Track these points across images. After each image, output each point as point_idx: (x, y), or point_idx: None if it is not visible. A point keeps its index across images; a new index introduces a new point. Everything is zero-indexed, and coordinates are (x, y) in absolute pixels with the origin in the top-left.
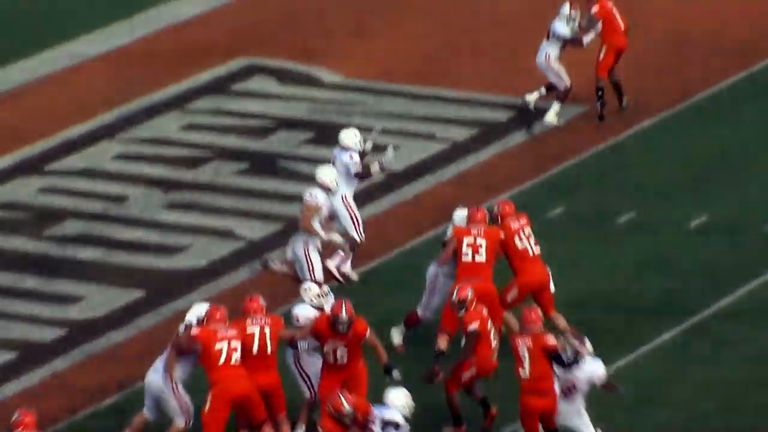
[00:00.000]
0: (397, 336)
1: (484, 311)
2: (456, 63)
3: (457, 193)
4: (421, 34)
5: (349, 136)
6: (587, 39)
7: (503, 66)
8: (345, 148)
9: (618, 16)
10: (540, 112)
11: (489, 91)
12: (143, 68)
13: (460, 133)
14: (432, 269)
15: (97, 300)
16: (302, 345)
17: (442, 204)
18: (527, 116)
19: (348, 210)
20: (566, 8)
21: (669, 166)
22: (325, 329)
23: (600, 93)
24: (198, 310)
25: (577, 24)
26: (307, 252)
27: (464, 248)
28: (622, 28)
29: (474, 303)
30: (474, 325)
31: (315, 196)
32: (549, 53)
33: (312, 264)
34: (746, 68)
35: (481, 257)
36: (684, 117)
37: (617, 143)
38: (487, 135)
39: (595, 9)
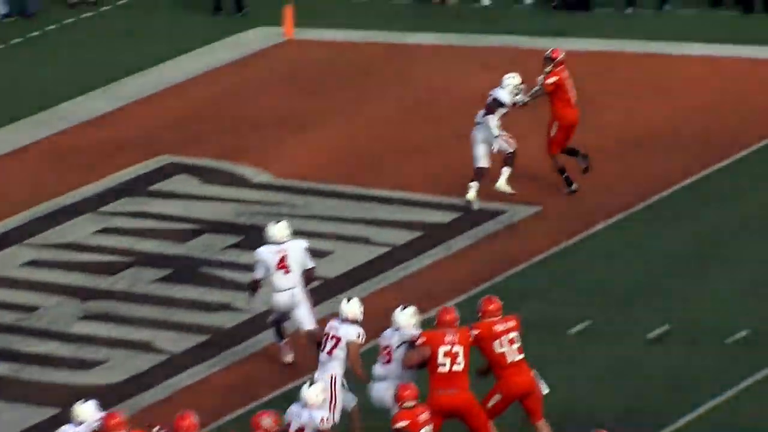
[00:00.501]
0: None
1: (423, 415)
2: (393, 161)
3: (396, 303)
4: (354, 130)
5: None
6: (524, 98)
7: (442, 164)
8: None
9: (570, 88)
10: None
11: (429, 191)
12: (54, 167)
13: (399, 237)
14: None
15: (7, 418)
16: None
17: (379, 315)
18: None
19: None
20: (516, 79)
21: (626, 270)
22: None
23: (563, 173)
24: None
25: (520, 97)
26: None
27: (440, 358)
28: (573, 101)
29: (413, 402)
30: (401, 423)
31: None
32: (491, 125)
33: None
34: (707, 167)
35: (458, 366)
36: (641, 218)
37: (569, 246)
38: (429, 238)
39: (551, 80)
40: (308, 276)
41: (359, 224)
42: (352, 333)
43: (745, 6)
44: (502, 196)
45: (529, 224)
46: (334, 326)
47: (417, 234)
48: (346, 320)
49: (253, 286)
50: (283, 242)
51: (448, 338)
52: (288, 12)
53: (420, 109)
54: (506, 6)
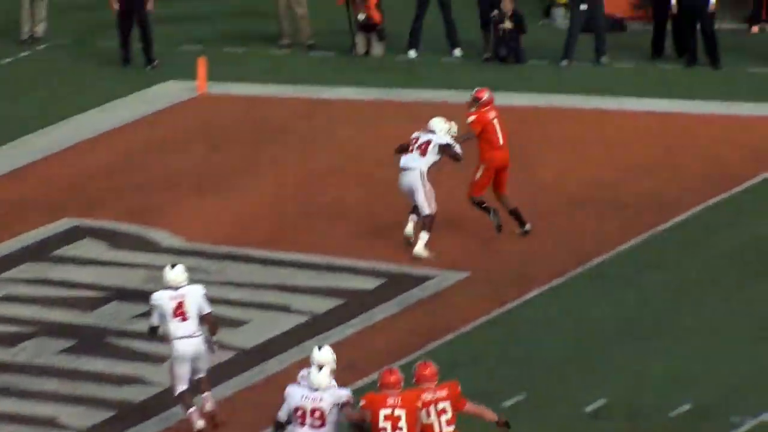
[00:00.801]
0: None
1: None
2: (313, 224)
3: None
4: (272, 191)
5: None
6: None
7: (366, 227)
8: None
9: (499, 130)
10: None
11: (352, 256)
12: None
13: (320, 305)
14: None
15: None
16: None
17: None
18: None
19: None
20: (445, 123)
21: (561, 340)
22: None
23: (483, 205)
24: None
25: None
26: None
27: (381, 422)
28: (501, 143)
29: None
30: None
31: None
32: (423, 171)
33: None
34: (647, 229)
35: (400, 431)
36: (578, 284)
37: (501, 314)
38: (351, 306)
39: (471, 118)
40: (209, 321)
41: (277, 291)
42: (342, 395)
43: (688, 59)
44: (428, 261)
45: (457, 291)
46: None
47: (339, 302)
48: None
49: (151, 334)
50: (179, 287)
51: (390, 400)
52: (201, 65)
53: (342, 168)
54: (434, 59)
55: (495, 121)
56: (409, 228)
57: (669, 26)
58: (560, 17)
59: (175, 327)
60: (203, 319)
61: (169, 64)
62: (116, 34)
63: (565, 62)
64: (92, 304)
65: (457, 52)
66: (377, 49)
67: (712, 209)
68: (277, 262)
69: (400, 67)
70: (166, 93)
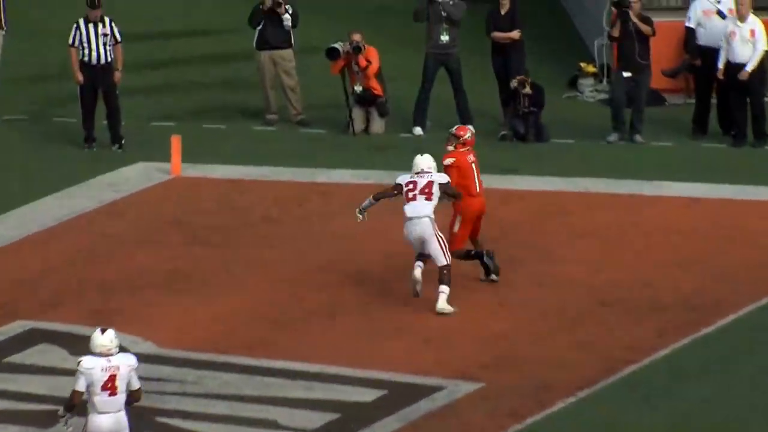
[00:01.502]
0: None
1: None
2: (302, 327)
3: None
4: (255, 290)
5: None
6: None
7: (364, 330)
8: None
9: (477, 176)
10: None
11: (347, 365)
12: None
13: (311, 419)
14: None
15: None
16: None
17: None
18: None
19: None
20: (434, 162)
21: None
22: None
23: (472, 253)
24: None
25: None
26: None
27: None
28: (478, 190)
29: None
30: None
31: None
32: (432, 217)
33: None
34: (686, 335)
35: None
36: (606, 396)
37: (520, 431)
38: (347, 421)
39: (449, 161)
40: (135, 398)
41: (263, 404)
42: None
43: (735, 137)
44: (436, 369)
45: (469, 404)
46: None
47: (333, 416)
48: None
49: (73, 401)
50: (111, 355)
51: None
52: (175, 143)
53: (337, 264)
54: (443, 137)
55: (474, 166)
56: (418, 273)
57: (714, 99)
58: (588, 89)
59: (102, 401)
60: (130, 395)
61: (138, 142)
62: (77, 109)
63: (638, 137)
64: (50, 419)
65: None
66: (378, 125)
67: (764, 310)
68: (262, 370)
69: (405, 147)
70: (135, 176)
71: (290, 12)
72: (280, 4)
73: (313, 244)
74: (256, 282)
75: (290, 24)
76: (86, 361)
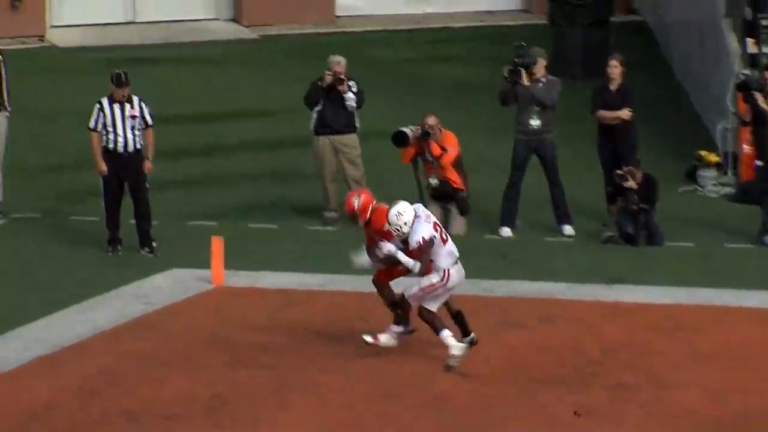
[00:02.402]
0: None
1: None
2: None
3: None
4: (313, 426)
5: None
6: None
7: None
8: None
9: None
10: None
11: None
12: None
13: None
14: None
15: None
16: None
17: None
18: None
19: None
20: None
21: None
22: None
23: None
24: None
25: None
26: None
27: None
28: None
29: None
30: None
31: None
32: None
33: None
34: None
35: None
36: None
37: None
38: None
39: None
40: None
41: None
42: None
43: None
44: None
45: None
46: None
47: None
48: None
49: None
50: None
51: None
52: (216, 246)
53: (409, 390)
54: (536, 239)
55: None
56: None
57: None
58: (710, 181)
59: None
60: None
61: (172, 245)
62: (99, 205)
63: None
64: None
65: (568, 229)
66: (458, 225)
67: None
68: None
69: (490, 251)
70: (168, 285)
71: (354, 90)
72: (342, 81)
73: (382, 366)
74: (314, 414)
75: (354, 104)
76: None
